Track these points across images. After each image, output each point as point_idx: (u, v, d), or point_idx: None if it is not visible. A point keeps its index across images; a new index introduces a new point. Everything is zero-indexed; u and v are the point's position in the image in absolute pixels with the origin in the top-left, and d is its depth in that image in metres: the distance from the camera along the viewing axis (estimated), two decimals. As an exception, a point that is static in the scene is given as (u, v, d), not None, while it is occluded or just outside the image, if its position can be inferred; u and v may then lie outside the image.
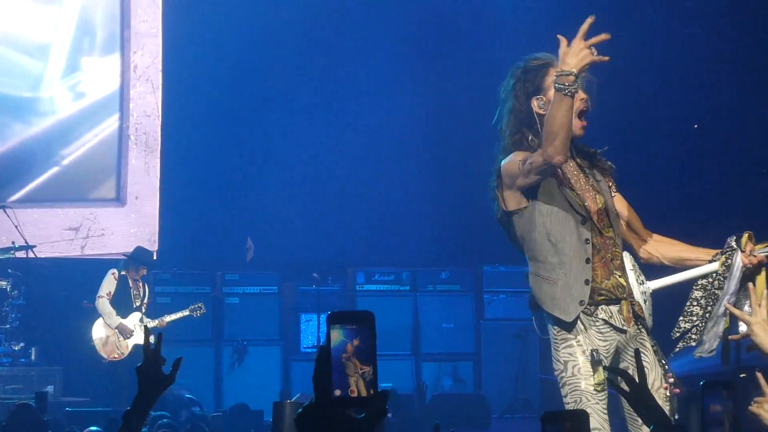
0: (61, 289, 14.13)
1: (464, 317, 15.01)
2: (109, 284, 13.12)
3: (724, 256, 5.56)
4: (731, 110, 14.91)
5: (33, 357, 13.86)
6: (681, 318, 5.59)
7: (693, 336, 5.51)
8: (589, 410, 5.32)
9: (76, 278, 14.01)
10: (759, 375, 4.24)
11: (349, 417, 2.42)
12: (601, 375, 5.34)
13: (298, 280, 14.89)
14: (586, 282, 5.44)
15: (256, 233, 15.50)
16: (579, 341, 5.46)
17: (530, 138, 5.54)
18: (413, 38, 16.12)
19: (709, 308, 5.52)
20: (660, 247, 5.81)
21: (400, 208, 15.95)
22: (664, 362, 5.56)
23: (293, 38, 15.69)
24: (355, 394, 2.39)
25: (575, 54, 5.18)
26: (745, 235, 5.52)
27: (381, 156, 16.04)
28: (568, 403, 5.43)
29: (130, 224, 15.43)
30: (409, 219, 15.88)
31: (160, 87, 15.48)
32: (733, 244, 5.52)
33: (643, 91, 14.91)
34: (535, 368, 14.76)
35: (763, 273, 5.47)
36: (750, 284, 5.05)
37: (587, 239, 5.48)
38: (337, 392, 2.39)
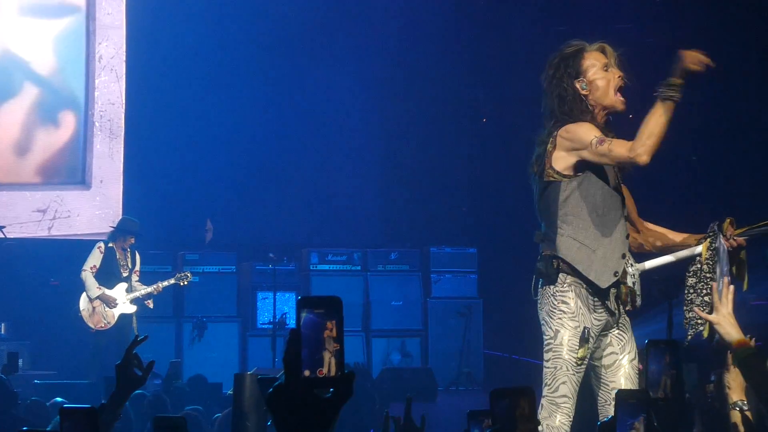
0: (29, 268, 14.16)
1: (412, 296, 15.20)
2: (94, 258, 13.17)
3: (708, 240, 5.69)
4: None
5: (2, 332, 13.91)
6: (684, 308, 5.66)
7: (699, 321, 5.51)
8: (565, 378, 5.57)
9: (44, 258, 14.11)
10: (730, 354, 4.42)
11: (317, 396, 2.44)
12: (585, 351, 5.58)
13: (255, 260, 15.00)
14: (623, 256, 5.63)
15: (215, 215, 15.57)
16: (575, 316, 5.64)
17: (582, 114, 5.69)
18: (364, 24, 16.19)
19: (705, 296, 5.60)
20: (649, 236, 5.99)
21: (352, 192, 16.09)
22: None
23: (251, 29, 15.81)
24: (324, 375, 2.42)
25: (683, 69, 5.48)
26: (727, 221, 5.66)
27: (334, 142, 16.16)
28: (548, 367, 5.62)
29: (95, 207, 15.40)
30: (360, 202, 16.07)
31: (124, 76, 15.46)
32: (716, 228, 5.67)
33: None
34: (479, 344, 15.06)
35: (744, 257, 5.71)
36: (714, 283, 5.09)
37: (626, 216, 5.72)
38: (306, 372, 2.42)
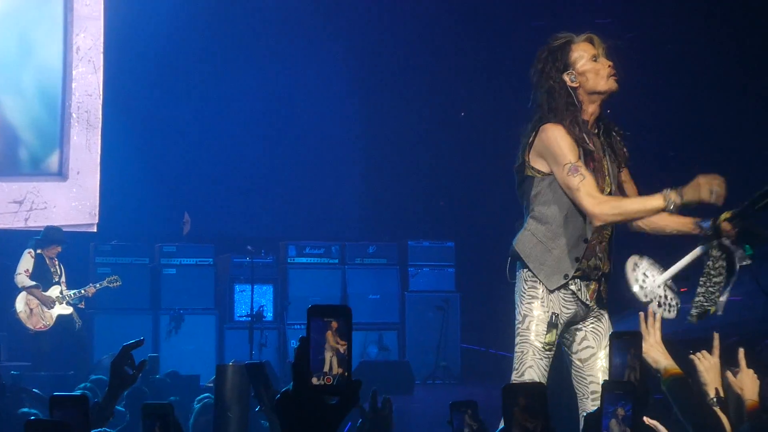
0: (4, 259, 13.98)
1: (390, 289, 15.26)
2: (26, 262, 13.26)
3: (713, 248, 5.70)
4: (642, 99, 14.87)
5: None
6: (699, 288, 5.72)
7: (705, 302, 5.64)
8: (531, 363, 5.62)
9: (20, 249, 13.76)
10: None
11: (325, 403, 2.49)
12: (553, 337, 5.64)
13: (233, 253, 15.00)
14: (577, 259, 5.66)
15: (192, 208, 15.51)
16: (543, 302, 5.69)
17: (570, 109, 5.67)
18: (343, 18, 16.20)
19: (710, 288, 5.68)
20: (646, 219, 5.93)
21: (331, 186, 16.17)
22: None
23: (229, 22, 15.84)
24: (331, 382, 2.47)
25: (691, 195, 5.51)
26: (722, 219, 5.60)
27: (313, 135, 16.20)
28: (516, 352, 5.68)
29: (72, 198, 15.40)
30: (339, 196, 16.14)
31: (102, 68, 15.44)
32: (709, 231, 5.67)
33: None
34: (456, 337, 15.14)
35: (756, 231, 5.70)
36: (641, 313, 5.01)
37: (591, 221, 5.64)
38: (315, 380, 2.46)
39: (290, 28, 16.15)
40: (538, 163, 5.70)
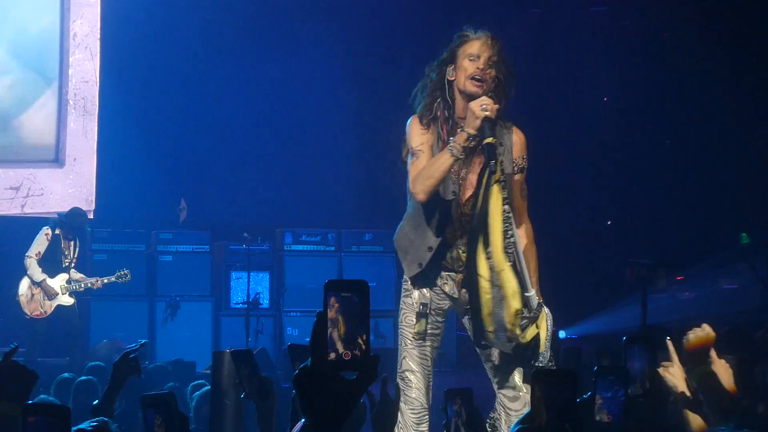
0: (2, 245, 14.22)
1: (386, 276, 15.16)
2: (40, 244, 13.26)
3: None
4: (640, 90, 15.31)
5: None
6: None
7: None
8: (405, 353, 5.97)
9: (17, 235, 13.99)
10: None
11: (342, 378, 2.46)
12: (422, 326, 5.90)
13: (229, 240, 15.02)
14: (429, 249, 5.88)
15: (189, 195, 15.63)
16: (414, 296, 5.98)
17: (438, 102, 5.90)
18: (339, 6, 16.17)
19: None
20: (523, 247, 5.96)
21: (327, 173, 16.13)
22: None
23: (226, 9, 15.78)
24: (349, 357, 2.43)
25: (470, 121, 5.62)
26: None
27: (309, 122, 16.20)
28: (398, 344, 6.04)
29: (69, 185, 15.44)
30: (335, 183, 16.10)
31: (98, 54, 15.46)
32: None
33: (550, 68, 15.12)
34: (452, 325, 15.28)
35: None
36: (668, 338, 5.02)
37: (445, 213, 5.85)
38: (332, 355, 2.43)
39: (287, 17, 16.15)
40: (405, 151, 6.00)
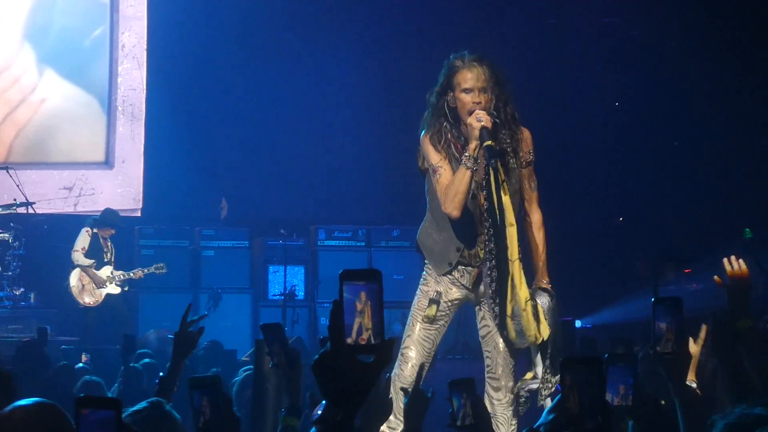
0: (56, 242, 14.51)
1: (413, 270, 13.47)
2: (83, 240, 13.75)
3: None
4: (649, 95, 15.52)
5: (32, 300, 14.38)
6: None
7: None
8: (410, 332, 6.32)
9: (70, 232, 14.33)
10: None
11: (361, 362, 2.48)
12: (433, 311, 6.29)
13: (267, 236, 15.23)
14: (458, 249, 6.26)
15: (229, 194, 15.95)
16: (430, 284, 6.37)
17: (445, 125, 6.27)
18: (369, 3, 16.47)
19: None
20: (528, 232, 6.43)
21: (358, 172, 16.38)
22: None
23: (263, 14, 16.05)
24: (365, 342, 2.45)
25: (472, 139, 5.97)
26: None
27: (341, 123, 16.43)
28: (406, 324, 6.35)
29: (117, 185, 15.82)
30: (365, 182, 16.34)
31: (145, 64, 15.83)
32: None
33: (565, 75, 15.35)
34: (474, 314, 15.56)
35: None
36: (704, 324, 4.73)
37: (469, 213, 6.18)
38: (349, 340, 2.45)
39: (320, 17, 16.30)
40: (423, 162, 6.40)
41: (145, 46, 16.02)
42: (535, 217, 6.45)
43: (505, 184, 6.07)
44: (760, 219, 14.12)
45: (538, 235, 6.42)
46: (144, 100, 16.04)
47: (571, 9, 15.45)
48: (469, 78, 6.25)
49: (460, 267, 6.34)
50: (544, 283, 6.34)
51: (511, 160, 6.31)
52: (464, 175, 6.05)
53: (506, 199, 6.07)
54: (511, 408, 6.24)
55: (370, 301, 2.50)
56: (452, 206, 6.09)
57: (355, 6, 16.37)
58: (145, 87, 15.95)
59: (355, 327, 2.48)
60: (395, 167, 16.02)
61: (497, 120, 6.21)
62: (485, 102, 6.21)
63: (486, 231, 6.21)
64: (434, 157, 6.25)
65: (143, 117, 16.01)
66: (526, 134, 6.40)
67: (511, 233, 6.09)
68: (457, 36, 16.64)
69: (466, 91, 6.27)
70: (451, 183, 6.10)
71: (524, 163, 6.37)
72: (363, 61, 16.28)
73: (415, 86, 16.61)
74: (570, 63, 15.50)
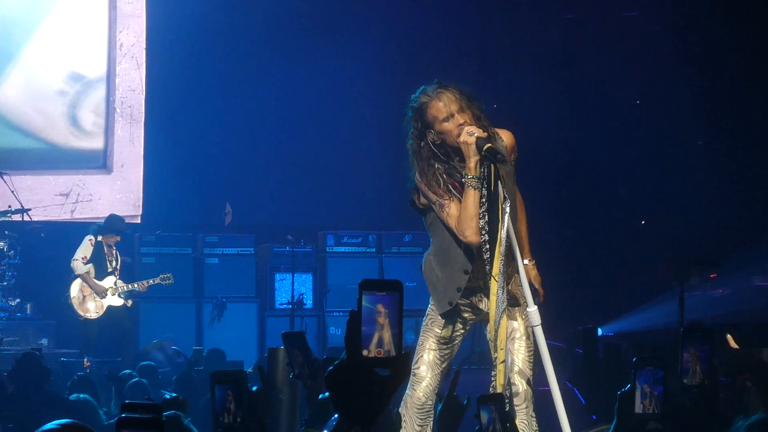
0: (53, 250, 14.30)
1: None
2: (85, 249, 13.45)
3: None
4: (671, 92, 15.29)
5: (28, 312, 14.15)
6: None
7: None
8: (423, 353, 6.15)
9: (67, 240, 14.08)
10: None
11: (377, 374, 2.46)
12: (449, 332, 6.16)
13: (273, 242, 15.10)
14: (458, 290, 6.11)
15: (234, 199, 15.74)
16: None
17: (438, 168, 6.10)
18: (376, 7, 16.32)
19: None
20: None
21: (367, 176, 16.20)
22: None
23: (267, 16, 15.90)
24: (382, 355, 2.44)
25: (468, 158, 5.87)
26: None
27: (349, 126, 16.27)
28: (418, 343, 6.21)
29: (116, 190, 15.63)
30: (375, 186, 16.12)
31: (144, 64, 15.65)
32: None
33: (584, 72, 15.11)
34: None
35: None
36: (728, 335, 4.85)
37: (471, 252, 6.03)
38: (366, 352, 2.45)
39: (326, 22, 16.23)
40: (421, 200, 6.23)
41: (144, 46, 15.83)
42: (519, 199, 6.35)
43: (505, 204, 5.89)
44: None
45: (521, 216, 6.32)
46: (143, 101, 15.85)
47: (589, 3, 15.29)
48: (442, 106, 6.16)
49: (462, 299, 6.19)
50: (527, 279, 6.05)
51: (508, 167, 6.14)
52: (474, 197, 5.97)
53: (507, 219, 5.86)
54: (530, 413, 6.10)
55: (390, 312, 2.48)
56: (471, 232, 5.98)
57: (366, 6, 16.29)
58: (144, 88, 15.82)
59: (374, 339, 2.46)
60: (407, 169, 15.59)
61: (488, 131, 6.10)
62: (468, 119, 6.10)
63: (485, 253, 5.99)
64: (437, 194, 6.15)
65: (143, 119, 15.85)
66: (508, 135, 6.30)
67: (499, 252, 5.85)
68: (473, 34, 16.35)
69: (446, 119, 6.14)
70: (463, 209, 5.99)
71: (514, 163, 6.28)
72: (372, 62, 16.19)
73: (424, 83, 16.31)
74: (588, 59, 15.31)
